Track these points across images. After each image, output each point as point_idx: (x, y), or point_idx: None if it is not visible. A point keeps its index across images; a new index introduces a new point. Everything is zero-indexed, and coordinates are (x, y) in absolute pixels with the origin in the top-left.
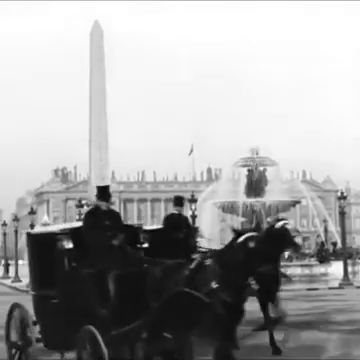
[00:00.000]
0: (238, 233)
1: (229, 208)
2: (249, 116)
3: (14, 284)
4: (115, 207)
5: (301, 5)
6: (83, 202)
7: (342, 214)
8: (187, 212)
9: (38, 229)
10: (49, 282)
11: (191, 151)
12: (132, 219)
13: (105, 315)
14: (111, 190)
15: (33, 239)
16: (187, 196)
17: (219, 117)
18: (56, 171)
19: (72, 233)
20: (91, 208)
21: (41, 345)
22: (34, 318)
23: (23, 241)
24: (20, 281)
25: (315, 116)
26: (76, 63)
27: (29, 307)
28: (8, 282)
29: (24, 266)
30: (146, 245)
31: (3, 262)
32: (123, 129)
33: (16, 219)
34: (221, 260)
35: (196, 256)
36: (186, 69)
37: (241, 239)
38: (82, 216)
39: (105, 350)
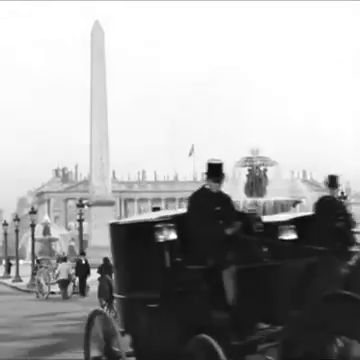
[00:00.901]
0: None
1: None
2: (249, 116)
3: (15, 284)
4: (116, 207)
5: (301, 5)
6: (84, 202)
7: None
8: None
9: (129, 218)
10: (144, 282)
11: (191, 152)
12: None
13: (224, 321)
14: (111, 190)
15: (122, 230)
16: (188, 196)
17: (220, 117)
18: (57, 171)
19: (175, 221)
20: (198, 190)
21: None
22: (121, 328)
23: (24, 240)
24: (21, 281)
25: (315, 116)
26: (77, 63)
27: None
28: (9, 282)
29: (25, 266)
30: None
31: (4, 262)
32: (124, 129)
33: (17, 219)
34: None
35: (357, 249)
36: (187, 69)
37: None
38: (83, 216)
39: None
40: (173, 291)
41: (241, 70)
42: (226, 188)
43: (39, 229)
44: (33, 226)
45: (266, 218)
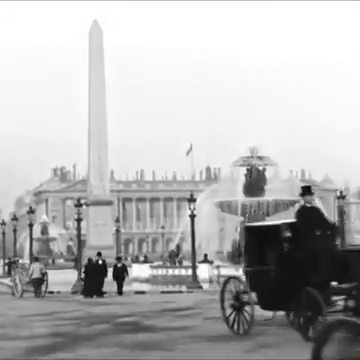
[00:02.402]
0: None
1: (228, 207)
2: (248, 115)
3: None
4: (114, 207)
5: (301, 4)
6: (82, 201)
7: (341, 213)
8: (185, 211)
9: None
10: None
11: (189, 150)
12: (131, 219)
13: None
14: (109, 189)
15: None
16: (186, 196)
17: (218, 116)
18: (55, 170)
19: None
20: None
21: None
22: None
23: (22, 240)
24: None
25: (315, 116)
26: (76, 62)
27: None
28: (7, 281)
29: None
30: None
31: (2, 262)
32: (122, 128)
33: (15, 218)
34: None
35: None
36: (186, 68)
37: None
38: (81, 215)
39: None
40: None
41: (240, 70)
42: (224, 188)
43: (37, 229)
44: (31, 226)
45: None
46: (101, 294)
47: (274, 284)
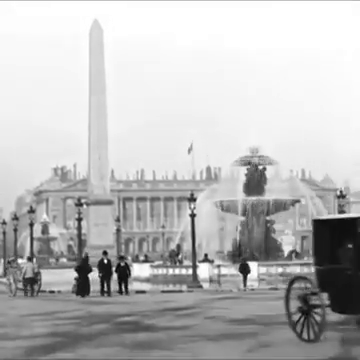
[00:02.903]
0: None
1: (228, 207)
2: (248, 115)
3: None
4: (114, 206)
5: (302, 4)
6: (82, 201)
7: (341, 213)
8: (186, 211)
9: None
10: None
11: (190, 149)
12: (131, 218)
13: None
14: (110, 189)
15: None
16: (186, 195)
17: (219, 115)
18: (55, 170)
19: None
20: None
21: None
22: None
23: (23, 239)
24: (19, 281)
25: (315, 115)
26: (76, 62)
27: None
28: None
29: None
30: None
31: (2, 261)
32: (122, 128)
33: (15, 218)
34: None
35: None
36: (186, 67)
37: None
38: (81, 215)
39: None
40: None
41: (241, 69)
42: (224, 187)
43: (38, 228)
44: (32, 225)
45: None
46: (109, 293)
47: (349, 284)
